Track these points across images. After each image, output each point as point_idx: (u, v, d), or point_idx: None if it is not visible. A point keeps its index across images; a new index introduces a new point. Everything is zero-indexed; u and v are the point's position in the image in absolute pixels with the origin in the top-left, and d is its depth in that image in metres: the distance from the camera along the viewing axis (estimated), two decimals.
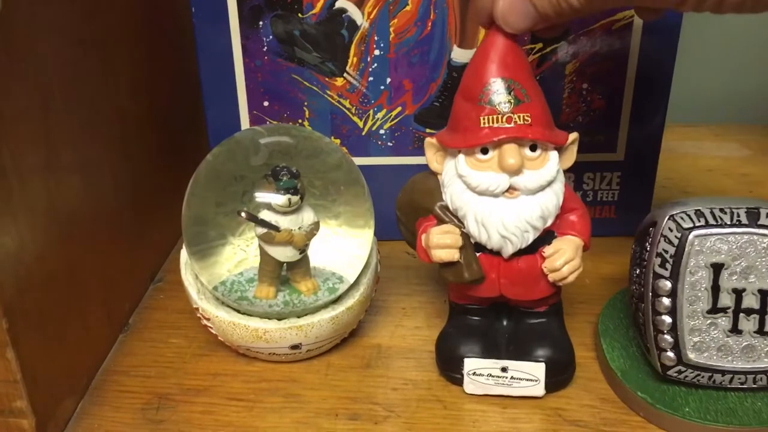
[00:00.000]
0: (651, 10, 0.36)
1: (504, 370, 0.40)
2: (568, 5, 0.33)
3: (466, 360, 0.40)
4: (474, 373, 0.40)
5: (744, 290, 0.37)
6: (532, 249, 0.39)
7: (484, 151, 0.37)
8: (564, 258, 0.38)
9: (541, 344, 0.41)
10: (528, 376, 0.40)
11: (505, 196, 0.37)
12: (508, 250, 0.38)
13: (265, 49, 0.49)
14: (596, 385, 0.42)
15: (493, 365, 0.40)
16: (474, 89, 0.37)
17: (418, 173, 0.42)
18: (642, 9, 0.37)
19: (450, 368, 0.42)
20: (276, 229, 0.41)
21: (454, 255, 0.39)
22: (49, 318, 0.38)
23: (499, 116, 0.36)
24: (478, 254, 0.39)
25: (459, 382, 0.41)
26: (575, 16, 0.34)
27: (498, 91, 0.36)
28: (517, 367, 0.40)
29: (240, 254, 0.47)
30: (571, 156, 0.40)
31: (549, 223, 0.38)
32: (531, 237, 0.38)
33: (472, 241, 0.39)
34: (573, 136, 0.39)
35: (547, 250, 0.39)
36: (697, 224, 0.36)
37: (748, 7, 0.29)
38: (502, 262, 0.39)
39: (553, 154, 0.38)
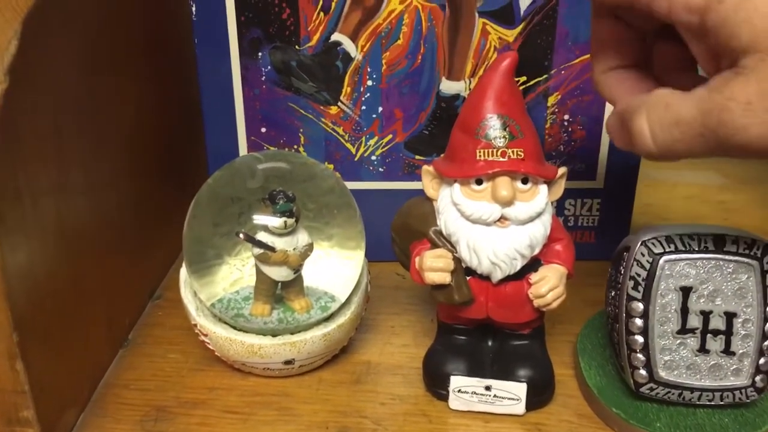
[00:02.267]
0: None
1: (488, 388, 0.42)
2: (647, 149, 0.32)
3: (452, 377, 0.43)
4: (459, 390, 0.43)
5: (711, 312, 0.39)
6: (520, 275, 0.41)
7: (479, 182, 0.40)
8: (549, 285, 0.41)
9: (523, 365, 0.43)
10: (510, 395, 0.42)
11: (497, 225, 0.40)
12: (497, 275, 0.40)
13: (263, 79, 0.51)
14: (574, 401, 0.44)
15: (477, 383, 0.42)
16: (471, 123, 0.39)
17: (413, 198, 0.44)
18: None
19: (436, 385, 0.44)
20: (272, 249, 0.43)
21: (446, 278, 0.41)
22: (55, 332, 0.40)
23: (494, 150, 0.39)
24: (468, 278, 0.41)
25: (444, 398, 0.43)
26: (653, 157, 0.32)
27: (494, 127, 0.39)
28: (500, 386, 0.42)
29: (236, 273, 0.49)
30: (559, 189, 0.42)
31: (536, 251, 0.41)
32: (519, 264, 0.40)
33: (464, 265, 0.41)
34: (561, 170, 0.41)
35: (534, 277, 0.41)
36: (668, 249, 0.39)
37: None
38: (490, 286, 0.41)
39: (543, 188, 0.40)
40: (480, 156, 0.39)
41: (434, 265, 0.41)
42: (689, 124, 0.29)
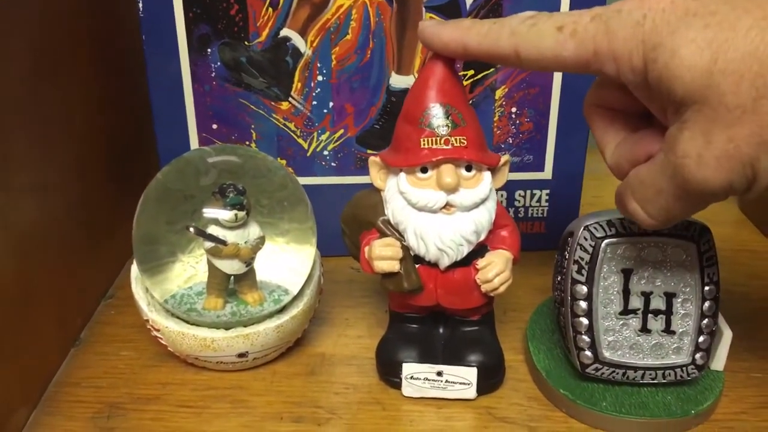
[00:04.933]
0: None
1: (439, 374, 0.43)
2: (649, 224, 0.34)
3: (404, 365, 0.43)
4: (411, 377, 0.43)
5: (651, 293, 0.40)
6: (467, 262, 0.42)
7: (424, 170, 0.40)
8: (495, 270, 0.42)
9: (473, 350, 0.44)
10: (461, 379, 0.43)
11: (443, 212, 0.40)
12: (445, 262, 0.41)
13: (213, 75, 0.51)
14: (524, 385, 0.45)
15: (429, 370, 0.43)
16: (415, 113, 0.40)
17: (362, 190, 0.45)
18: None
19: (389, 373, 0.44)
20: (223, 243, 0.44)
21: (394, 266, 0.41)
22: (2, 332, 0.39)
23: (438, 138, 0.39)
24: (417, 266, 0.42)
25: (397, 385, 0.44)
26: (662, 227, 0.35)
27: (437, 116, 0.39)
28: (451, 371, 0.43)
29: (190, 270, 0.49)
30: (503, 176, 0.43)
31: (482, 237, 0.41)
32: (465, 250, 0.41)
33: (412, 253, 0.42)
34: (505, 158, 0.42)
35: (480, 262, 0.42)
36: (609, 233, 0.40)
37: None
38: (439, 273, 0.42)
39: (487, 174, 0.41)
40: (424, 144, 0.39)
41: (383, 254, 0.41)
42: (666, 191, 0.32)
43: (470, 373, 0.43)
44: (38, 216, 0.44)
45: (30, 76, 0.43)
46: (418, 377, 0.43)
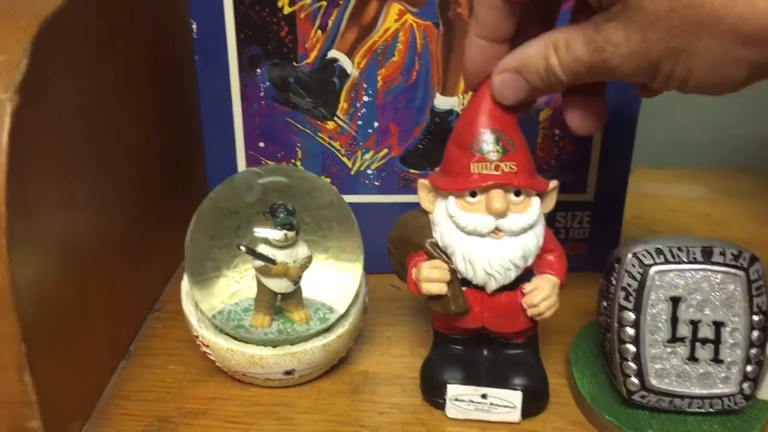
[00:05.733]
0: (649, 88, 0.40)
1: (484, 396, 0.43)
2: (557, 80, 0.37)
3: (449, 386, 0.44)
4: (456, 399, 0.44)
5: (700, 321, 0.40)
6: (514, 285, 0.42)
7: (473, 195, 0.41)
8: (542, 295, 0.42)
9: (518, 373, 0.44)
10: (506, 402, 0.43)
11: (491, 236, 0.41)
12: (492, 285, 0.41)
13: (261, 95, 0.52)
14: (568, 409, 0.45)
15: (474, 392, 0.43)
16: (466, 138, 0.41)
17: (410, 211, 0.45)
18: (641, 87, 0.41)
19: (433, 393, 0.45)
20: (272, 262, 0.44)
21: (442, 289, 0.42)
22: (60, 344, 0.40)
23: (488, 164, 0.40)
24: (464, 288, 0.42)
25: (441, 406, 0.44)
26: (562, 89, 0.38)
27: (487, 141, 0.40)
28: (496, 394, 0.43)
29: (234, 286, 0.49)
30: (551, 201, 0.43)
31: (530, 262, 0.42)
32: (513, 274, 0.41)
33: (459, 276, 0.42)
34: (553, 183, 0.42)
35: (527, 287, 0.42)
36: (657, 261, 0.40)
37: (706, 91, 0.34)
38: (485, 296, 0.42)
39: (535, 200, 0.41)
40: (474, 169, 0.40)
41: (431, 276, 0.42)
42: (582, 60, 0.35)
43: (515, 397, 0.43)
44: (95, 231, 0.45)
45: (90, 92, 0.44)
46: (463, 399, 0.43)
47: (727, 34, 0.31)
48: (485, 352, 0.46)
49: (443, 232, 0.42)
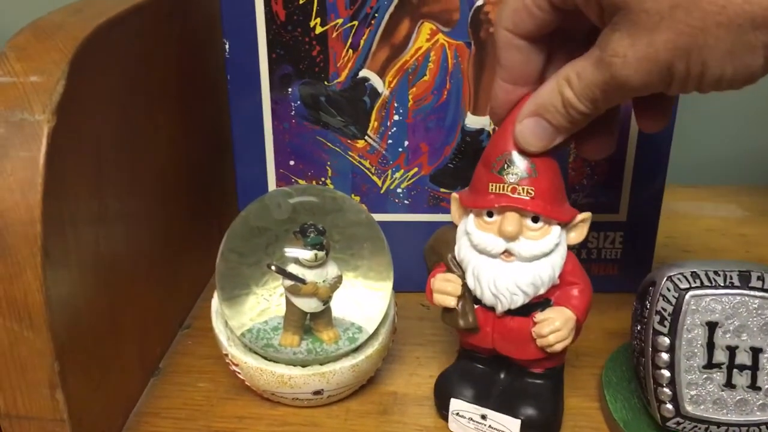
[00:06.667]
0: (653, 119, 0.39)
1: (483, 417, 0.43)
2: (578, 112, 0.36)
3: (452, 400, 0.43)
4: (458, 414, 0.43)
5: (737, 347, 0.40)
6: (526, 312, 0.41)
7: (490, 215, 0.41)
8: (551, 327, 0.41)
9: (525, 402, 0.43)
10: (503, 428, 0.42)
11: (501, 258, 0.40)
12: (499, 308, 0.41)
13: (292, 113, 0.53)
14: None
15: (474, 410, 0.43)
16: (490, 157, 0.40)
17: (448, 225, 0.45)
18: (643, 116, 0.40)
19: (441, 405, 0.45)
20: (303, 282, 0.44)
21: (450, 302, 0.42)
22: (92, 361, 0.41)
23: (505, 185, 0.39)
24: (476, 306, 0.42)
25: (446, 419, 0.44)
26: (587, 121, 0.37)
27: (508, 163, 0.40)
28: (495, 417, 0.42)
29: (263, 303, 0.49)
30: (581, 233, 0.42)
31: (542, 291, 0.41)
32: (520, 300, 0.40)
33: (472, 293, 0.42)
34: (584, 215, 0.41)
35: (539, 316, 0.41)
36: (693, 285, 0.39)
37: (725, 85, 0.32)
38: (495, 318, 0.42)
39: (556, 229, 0.40)
40: (491, 189, 0.40)
41: (443, 288, 0.42)
42: (594, 83, 0.34)
43: (513, 425, 0.42)
44: (125, 246, 0.45)
45: (124, 111, 0.45)
46: (464, 415, 0.43)
47: (735, 19, 0.29)
48: (503, 376, 0.45)
49: (460, 247, 0.42)
